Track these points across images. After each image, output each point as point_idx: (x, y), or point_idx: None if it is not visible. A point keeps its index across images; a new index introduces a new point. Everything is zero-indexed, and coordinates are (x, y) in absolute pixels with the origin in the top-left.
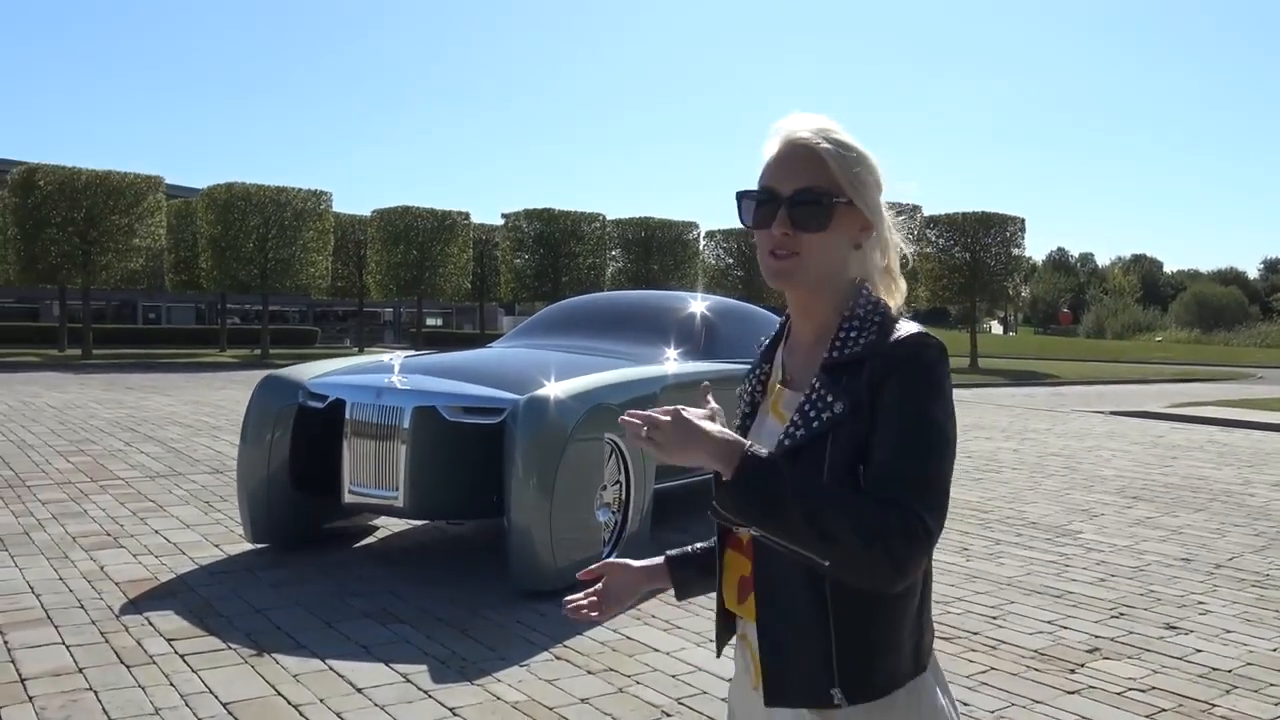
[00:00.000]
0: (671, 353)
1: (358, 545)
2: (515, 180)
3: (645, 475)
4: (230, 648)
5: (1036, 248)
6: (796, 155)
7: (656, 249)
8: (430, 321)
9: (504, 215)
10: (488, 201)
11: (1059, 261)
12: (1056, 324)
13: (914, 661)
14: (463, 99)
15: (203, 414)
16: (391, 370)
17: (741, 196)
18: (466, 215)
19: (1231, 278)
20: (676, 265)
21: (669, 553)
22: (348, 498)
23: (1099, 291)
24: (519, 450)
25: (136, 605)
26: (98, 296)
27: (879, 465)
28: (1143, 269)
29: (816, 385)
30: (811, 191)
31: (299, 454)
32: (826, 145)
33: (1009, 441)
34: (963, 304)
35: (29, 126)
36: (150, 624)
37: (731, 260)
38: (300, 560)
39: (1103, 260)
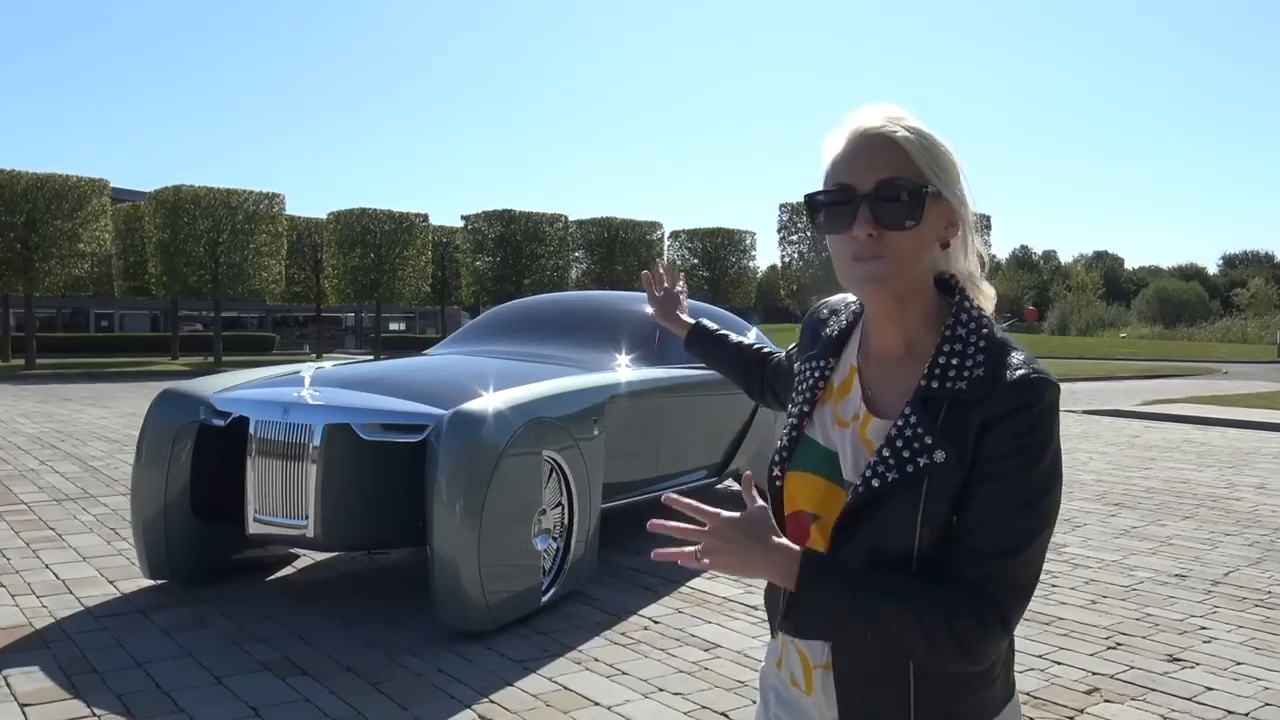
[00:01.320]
0: (623, 358)
1: (271, 578)
2: (475, 182)
3: (590, 495)
4: (94, 715)
5: (1000, 245)
6: (872, 146)
7: (620, 250)
8: (393, 326)
9: (464, 217)
10: (447, 203)
11: (1022, 259)
12: (1022, 320)
13: (1004, 692)
14: (422, 99)
15: (135, 427)
16: (302, 383)
17: (811, 199)
18: (425, 217)
19: (1192, 273)
20: (641, 266)
21: (702, 321)
22: (253, 528)
23: (1062, 288)
24: (442, 471)
25: None
26: (49, 304)
27: (972, 536)
28: (1105, 266)
29: (910, 419)
30: (896, 183)
31: (201, 478)
32: (904, 133)
33: None
34: None
35: None
36: (7, 685)
37: (696, 260)
38: (202, 598)
39: (1065, 257)
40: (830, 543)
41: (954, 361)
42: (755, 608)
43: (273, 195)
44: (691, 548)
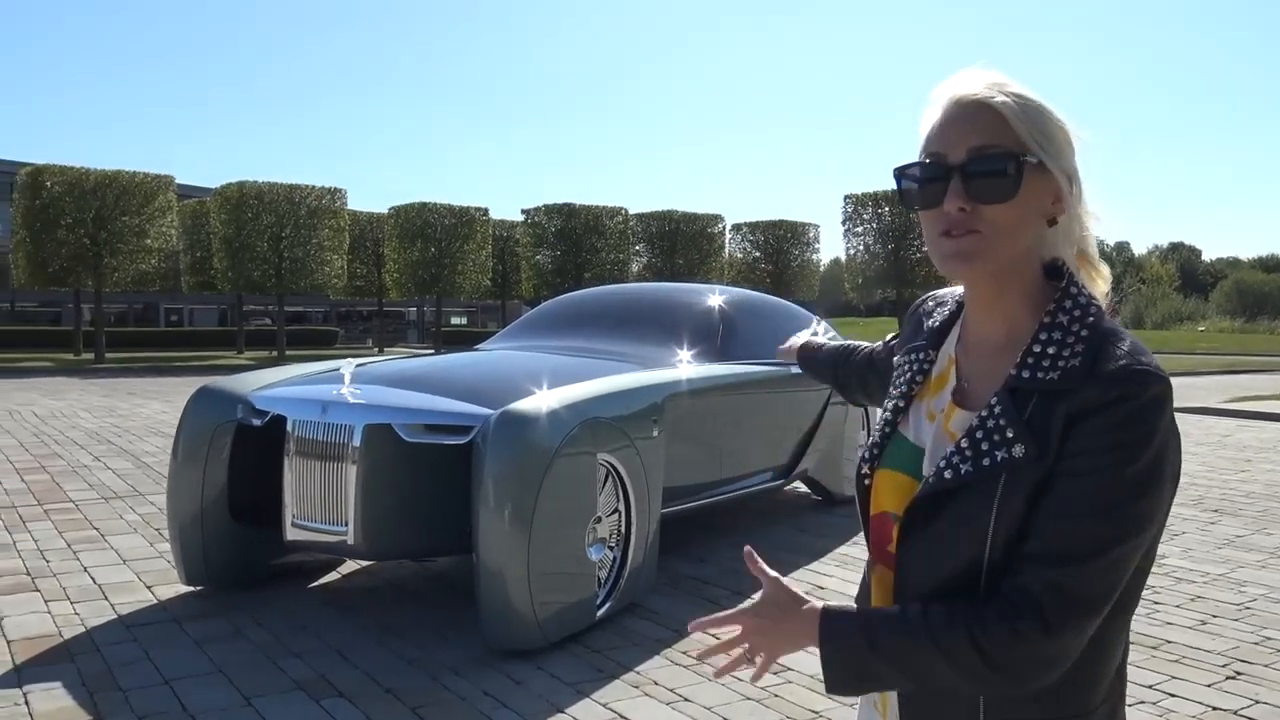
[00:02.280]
0: (684, 354)
1: (314, 585)
2: (535, 176)
3: (649, 501)
4: None
5: None
6: (968, 114)
7: (681, 243)
8: (455, 320)
9: (524, 211)
10: (507, 198)
11: None
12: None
13: None
14: (481, 94)
15: None
16: (342, 380)
17: (901, 173)
18: (485, 211)
19: (1273, 264)
20: (702, 259)
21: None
22: (290, 534)
23: (1136, 281)
24: (488, 475)
25: (20, 674)
26: (121, 300)
27: (1036, 537)
28: (1181, 257)
29: (995, 409)
30: (992, 152)
31: (241, 480)
32: (1004, 99)
33: None
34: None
35: (36, 127)
36: (25, 703)
37: (759, 254)
38: (240, 606)
39: (1139, 249)
40: (897, 541)
41: (1050, 350)
42: None
43: (334, 190)
44: (739, 651)
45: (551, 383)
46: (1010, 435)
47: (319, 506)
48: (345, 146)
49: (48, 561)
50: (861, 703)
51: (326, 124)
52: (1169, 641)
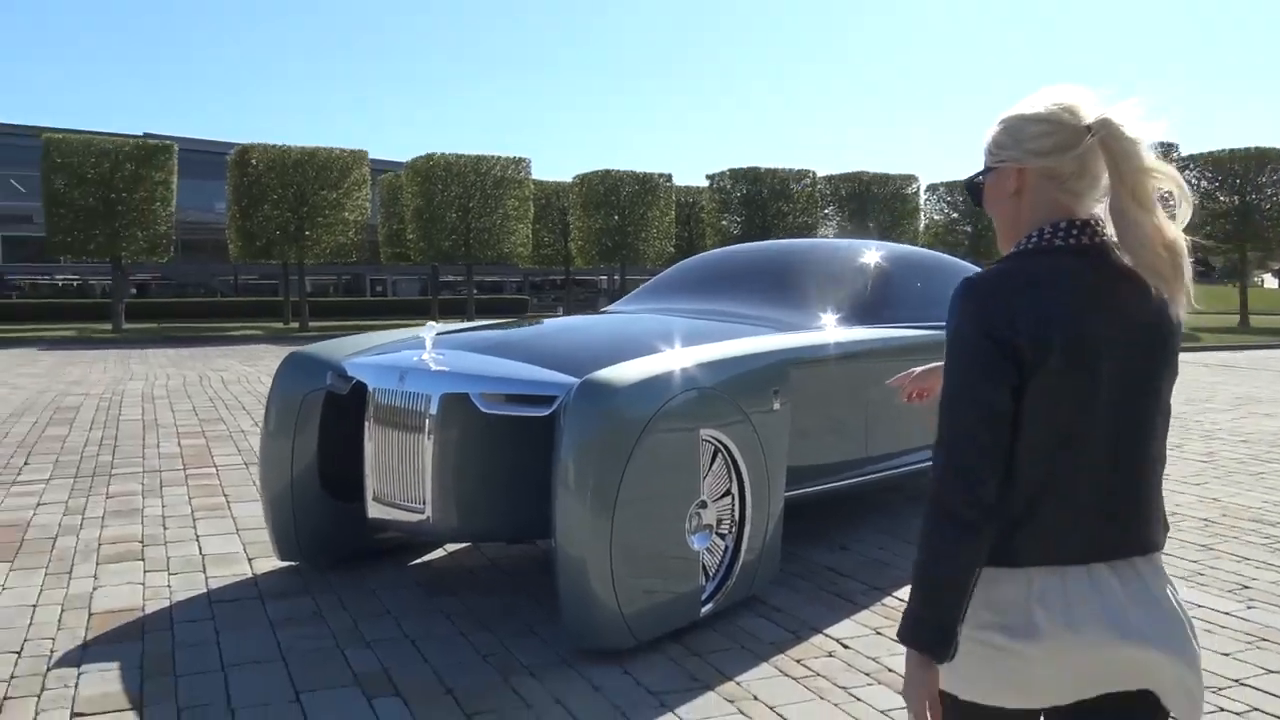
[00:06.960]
0: (828, 316)
1: (416, 562)
2: (720, 140)
3: (769, 483)
4: None
5: None
6: None
7: (872, 205)
8: None
9: (708, 176)
10: (692, 163)
11: None
12: None
13: None
14: (664, 59)
15: None
16: (424, 346)
17: None
18: (669, 177)
19: None
20: (895, 222)
21: None
22: (372, 510)
23: None
24: (567, 450)
25: (86, 650)
26: (328, 271)
27: None
28: None
29: None
30: None
31: (334, 452)
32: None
33: None
34: (1229, 254)
35: (248, 111)
36: (73, 685)
37: (957, 215)
38: (330, 586)
39: None
40: None
41: None
42: None
43: (519, 160)
44: None
45: (655, 348)
46: None
47: (397, 483)
48: (532, 117)
49: (165, 529)
50: None
51: (513, 96)
52: None
